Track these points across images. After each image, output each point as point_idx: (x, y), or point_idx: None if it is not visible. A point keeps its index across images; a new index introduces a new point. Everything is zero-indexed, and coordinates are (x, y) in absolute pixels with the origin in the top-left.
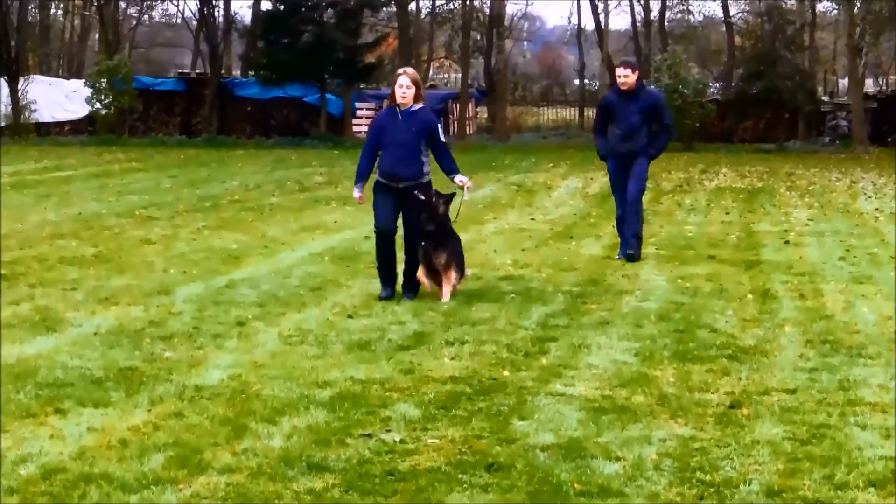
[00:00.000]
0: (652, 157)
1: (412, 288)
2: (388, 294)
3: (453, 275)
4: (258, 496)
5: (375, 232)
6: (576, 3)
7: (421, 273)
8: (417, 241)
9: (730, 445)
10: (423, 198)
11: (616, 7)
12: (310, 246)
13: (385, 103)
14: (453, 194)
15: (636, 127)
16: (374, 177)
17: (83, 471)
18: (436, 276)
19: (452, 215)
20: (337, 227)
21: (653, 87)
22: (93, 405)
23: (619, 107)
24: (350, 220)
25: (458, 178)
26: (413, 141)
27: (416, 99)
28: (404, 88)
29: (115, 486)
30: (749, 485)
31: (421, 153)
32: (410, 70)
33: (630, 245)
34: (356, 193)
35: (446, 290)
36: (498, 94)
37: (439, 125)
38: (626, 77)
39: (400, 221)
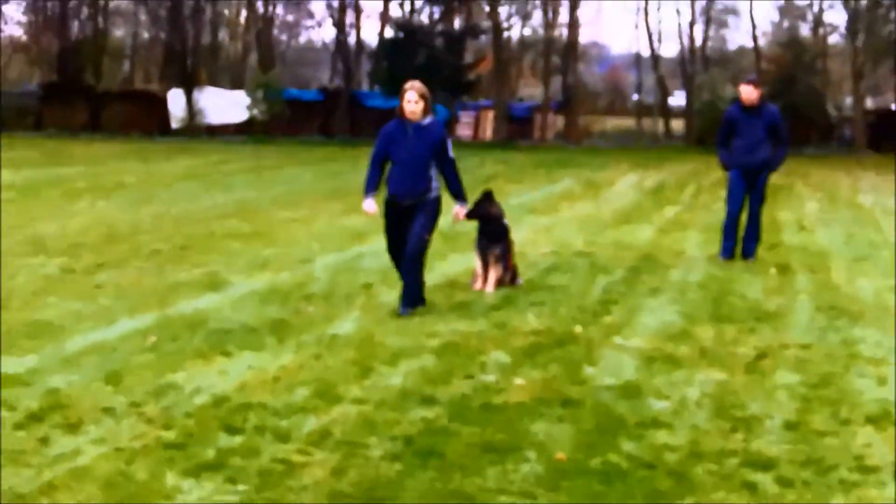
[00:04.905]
0: (773, 170)
1: (410, 301)
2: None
3: (500, 268)
4: (381, 422)
5: (391, 257)
6: (636, 33)
7: (476, 264)
8: (415, 255)
9: (755, 388)
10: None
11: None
12: None
13: (397, 112)
14: (488, 192)
15: (761, 141)
16: (385, 194)
17: (244, 400)
18: (486, 268)
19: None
20: (443, 211)
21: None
22: (250, 349)
23: (744, 121)
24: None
25: (456, 209)
26: (422, 157)
27: (426, 112)
28: (413, 104)
29: (269, 413)
30: (771, 420)
31: (429, 168)
32: (418, 83)
33: (750, 249)
34: (367, 205)
35: (491, 280)
36: (572, 105)
37: (448, 140)
38: (749, 94)
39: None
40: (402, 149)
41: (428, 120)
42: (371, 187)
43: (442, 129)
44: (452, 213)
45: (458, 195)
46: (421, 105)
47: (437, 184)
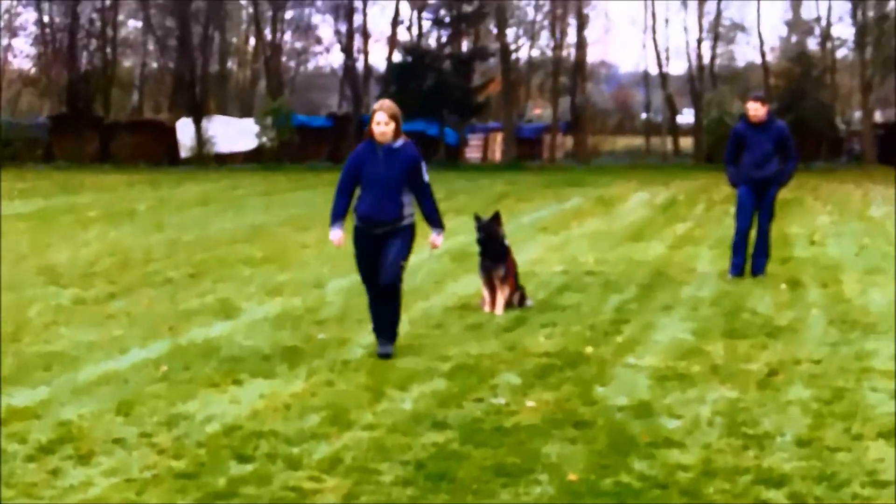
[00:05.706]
0: (782, 185)
1: (391, 336)
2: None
3: (507, 289)
4: (393, 447)
5: (365, 287)
6: (644, 52)
7: (482, 286)
8: (392, 283)
9: (768, 405)
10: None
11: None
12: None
13: (367, 133)
14: (497, 213)
15: (769, 156)
16: (352, 222)
17: (255, 428)
18: (493, 291)
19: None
20: (453, 232)
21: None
22: (262, 376)
23: (751, 137)
24: (462, 227)
25: (432, 237)
26: (394, 180)
27: (397, 134)
28: (382, 125)
29: (280, 440)
30: (784, 436)
31: (402, 193)
32: (388, 103)
33: (759, 266)
34: (333, 235)
35: (500, 302)
36: (581, 125)
37: (423, 164)
38: (756, 111)
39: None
40: (373, 172)
41: (400, 142)
42: (337, 216)
43: (415, 152)
44: (429, 240)
45: (434, 221)
46: (391, 126)
47: (412, 210)
